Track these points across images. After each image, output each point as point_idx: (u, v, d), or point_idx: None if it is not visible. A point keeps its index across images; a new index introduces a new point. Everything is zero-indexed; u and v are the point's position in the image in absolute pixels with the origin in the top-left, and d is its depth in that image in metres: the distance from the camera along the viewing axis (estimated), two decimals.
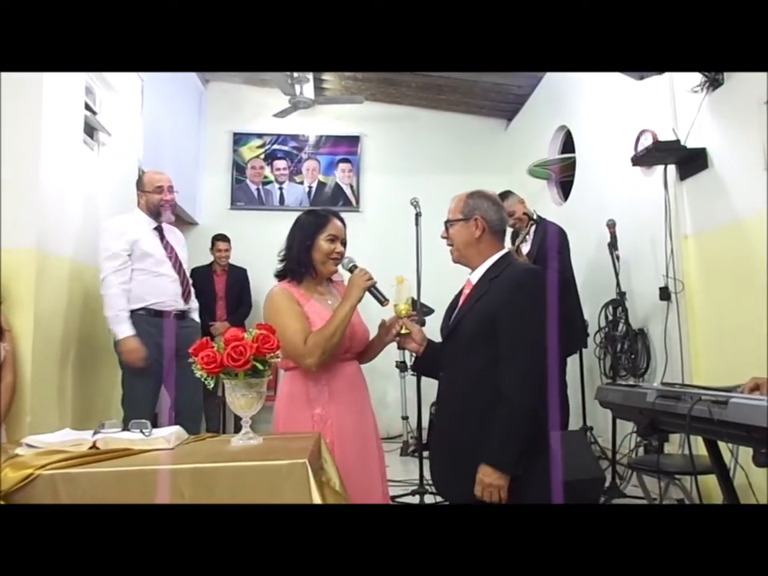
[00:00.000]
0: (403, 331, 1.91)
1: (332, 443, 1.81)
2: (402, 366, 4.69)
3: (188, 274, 3.21)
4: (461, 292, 1.86)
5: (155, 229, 3.05)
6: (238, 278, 5.04)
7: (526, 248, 3.62)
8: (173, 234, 3.18)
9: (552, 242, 3.49)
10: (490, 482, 1.57)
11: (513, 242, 3.61)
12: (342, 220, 2.02)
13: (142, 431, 1.48)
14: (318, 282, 1.99)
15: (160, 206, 3.03)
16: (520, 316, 1.62)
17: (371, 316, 2.02)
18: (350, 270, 1.94)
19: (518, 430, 1.57)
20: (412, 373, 4.49)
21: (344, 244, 2.00)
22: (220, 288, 4.98)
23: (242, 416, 1.51)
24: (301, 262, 1.95)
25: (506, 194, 3.67)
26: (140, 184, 3.09)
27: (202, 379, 1.44)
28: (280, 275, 2.00)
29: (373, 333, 2.01)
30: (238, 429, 1.84)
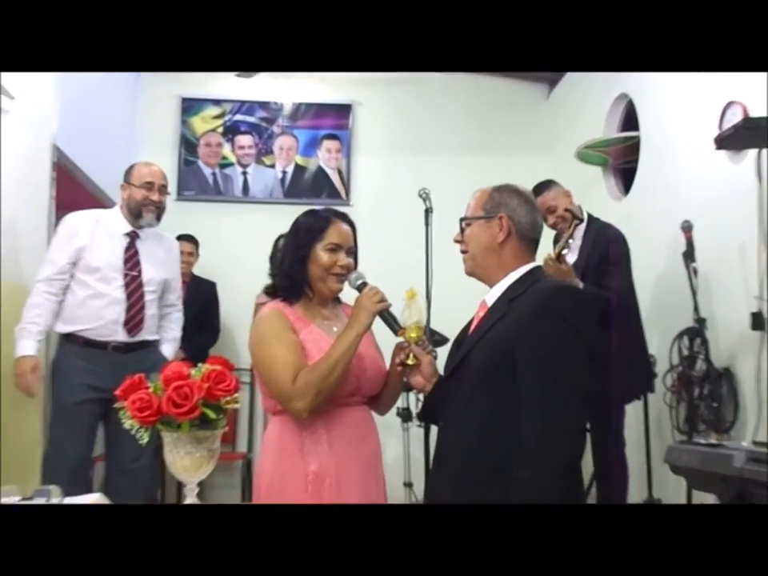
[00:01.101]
0: (410, 361, 1.96)
1: None
2: (405, 415, 4.66)
3: (174, 297, 3.27)
4: (473, 318, 1.91)
5: (127, 234, 3.08)
6: (202, 295, 5.06)
7: (571, 258, 3.62)
8: (158, 244, 3.21)
9: (607, 252, 3.50)
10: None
11: (554, 247, 3.61)
12: (349, 223, 2.10)
13: (47, 501, 1.48)
14: (322, 303, 2.08)
15: (142, 205, 3.08)
16: (547, 346, 1.64)
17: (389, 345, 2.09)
18: (358, 289, 2.00)
19: (543, 502, 1.57)
20: (419, 424, 4.48)
21: (352, 254, 2.07)
22: None
23: (186, 482, 1.50)
24: (294, 278, 2.03)
25: (545, 185, 3.69)
26: (127, 175, 3.19)
27: (133, 431, 1.44)
28: (269, 292, 2.09)
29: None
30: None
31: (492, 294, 1.84)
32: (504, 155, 5.66)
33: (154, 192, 3.12)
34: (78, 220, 3.10)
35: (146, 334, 3.11)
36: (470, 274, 1.91)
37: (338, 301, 2.14)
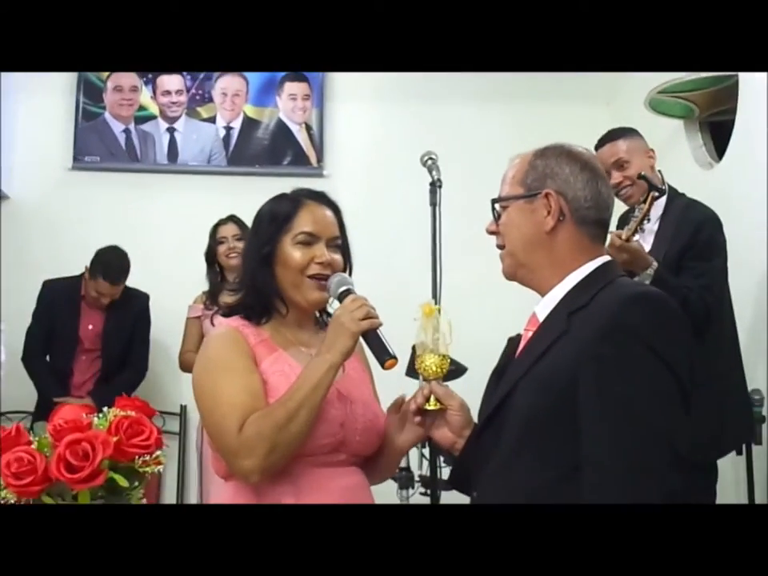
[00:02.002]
0: (431, 406, 1.93)
1: None
2: (404, 479, 4.67)
3: None
4: (519, 338, 1.88)
5: None
6: (129, 313, 5.05)
7: (645, 246, 3.63)
8: None
9: (695, 241, 3.49)
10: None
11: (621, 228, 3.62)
12: (329, 203, 2.13)
13: None
14: (300, 322, 2.11)
15: None
16: (618, 381, 1.61)
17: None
18: (340, 298, 2.00)
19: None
20: (423, 491, 4.48)
21: (338, 248, 2.10)
22: (90, 329, 4.95)
23: None
24: (257, 289, 2.06)
25: (618, 132, 3.68)
26: None
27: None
28: (229, 314, 2.11)
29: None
30: None
31: (544, 306, 1.80)
32: (546, 103, 5.66)
33: None
34: None
35: None
36: (510, 277, 1.88)
37: (323, 323, 2.15)
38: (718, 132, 4.99)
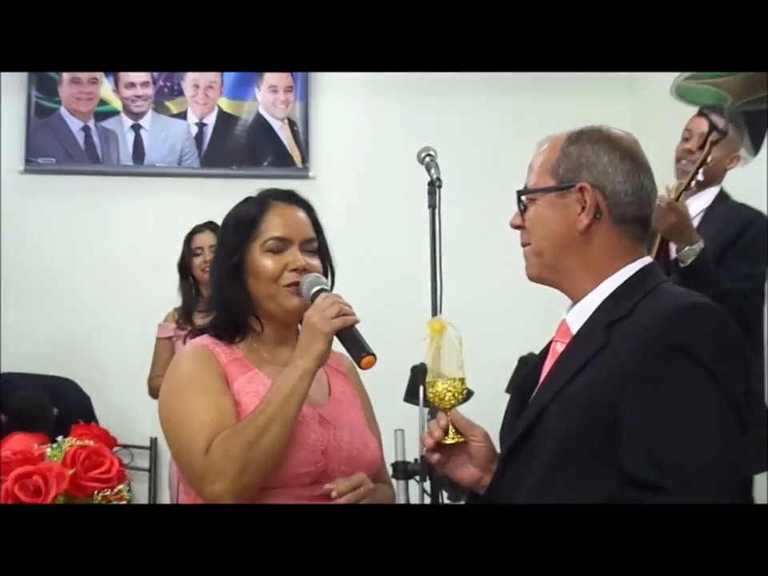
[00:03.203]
0: (450, 440, 1.87)
1: None
2: (402, 470, 4.65)
3: None
4: (545, 351, 1.88)
5: None
6: None
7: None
8: None
9: (742, 241, 3.51)
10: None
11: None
12: (299, 201, 2.15)
13: None
14: (278, 337, 2.13)
15: None
16: (673, 409, 1.60)
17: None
18: (312, 299, 2.00)
19: None
20: (418, 479, 4.48)
21: (313, 252, 2.11)
22: None
23: None
24: (227, 305, 2.08)
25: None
26: None
27: None
28: (199, 333, 2.14)
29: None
30: None
31: (577, 314, 1.77)
32: (560, 94, 5.67)
33: None
34: None
35: None
36: (535, 279, 1.85)
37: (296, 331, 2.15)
38: (753, 122, 5.00)
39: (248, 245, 2.04)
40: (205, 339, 2.06)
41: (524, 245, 1.84)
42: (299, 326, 2.13)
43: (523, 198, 1.83)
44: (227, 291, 2.05)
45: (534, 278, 1.85)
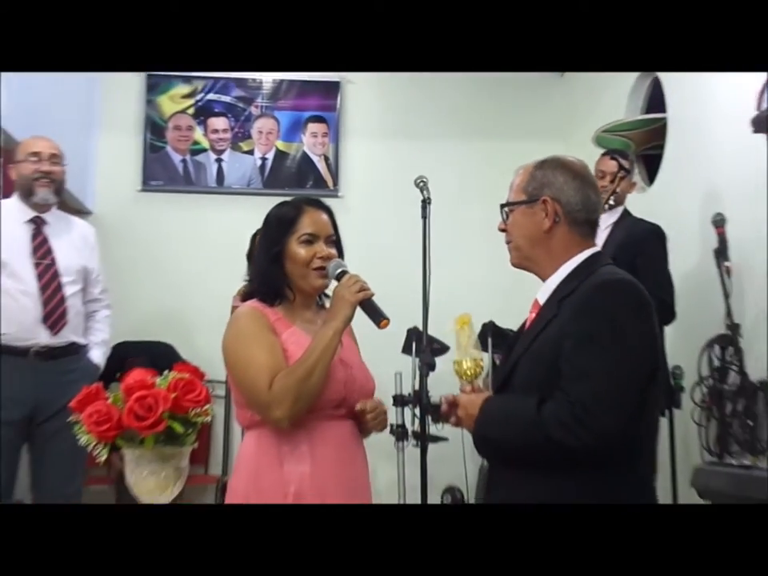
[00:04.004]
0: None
1: None
2: (399, 433, 4.66)
3: (97, 290, 3.23)
4: (526, 320, 1.88)
5: (30, 221, 3.07)
6: None
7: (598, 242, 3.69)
8: (68, 228, 3.20)
9: (643, 250, 3.52)
10: (460, 416, 1.78)
11: None
12: (325, 209, 2.12)
13: None
14: (304, 305, 2.10)
15: (33, 180, 3.06)
16: (583, 352, 1.61)
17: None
18: (338, 278, 2.01)
19: (525, 440, 1.64)
20: (415, 443, 4.47)
21: (333, 243, 2.09)
22: None
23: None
24: (272, 279, 2.04)
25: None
26: (13, 153, 3.17)
27: (89, 447, 1.44)
28: (245, 298, 2.11)
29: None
30: None
31: (543, 291, 1.80)
32: (512, 140, 5.66)
33: (42, 162, 3.11)
34: None
35: (71, 334, 3.09)
36: (516, 266, 1.88)
37: (320, 305, 2.15)
38: (649, 163, 4.98)
39: (287, 238, 2.02)
40: (254, 303, 2.04)
41: (507, 242, 1.88)
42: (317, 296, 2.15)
43: (506, 209, 1.86)
44: (270, 271, 2.03)
45: (515, 265, 1.88)
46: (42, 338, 3.01)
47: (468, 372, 1.87)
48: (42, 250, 3.08)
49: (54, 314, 3.03)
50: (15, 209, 3.10)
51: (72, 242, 3.20)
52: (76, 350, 3.13)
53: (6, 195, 3.74)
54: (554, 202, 1.78)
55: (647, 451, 1.74)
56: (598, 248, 1.85)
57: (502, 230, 1.88)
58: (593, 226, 1.85)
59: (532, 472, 1.65)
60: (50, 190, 3.13)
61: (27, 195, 3.10)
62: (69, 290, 3.09)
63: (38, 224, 3.11)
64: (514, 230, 1.84)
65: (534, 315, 1.82)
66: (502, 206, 1.87)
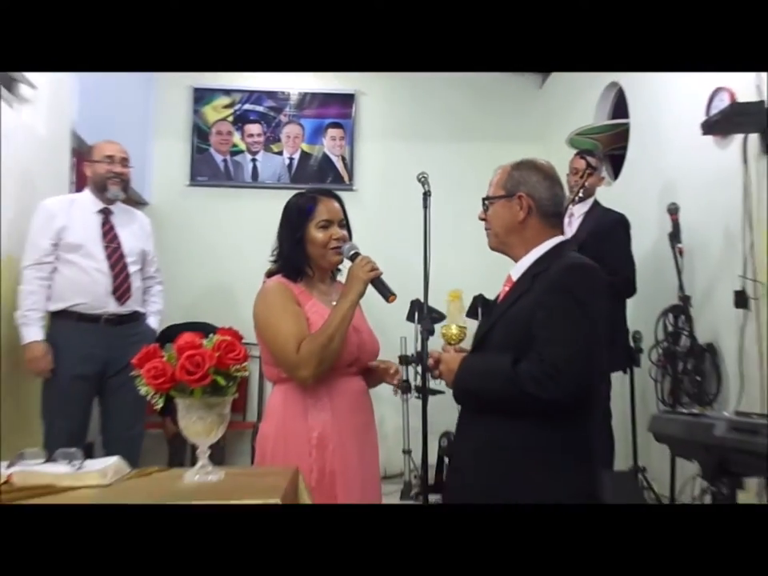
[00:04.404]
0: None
1: (332, 474, 1.89)
2: (404, 387, 4.68)
3: (153, 269, 3.28)
4: (500, 292, 1.87)
5: (100, 211, 3.10)
6: None
7: (569, 231, 3.66)
8: (130, 218, 3.23)
9: (610, 235, 3.51)
10: (442, 369, 1.78)
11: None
12: (337, 198, 2.09)
13: (70, 463, 1.48)
14: (321, 279, 2.08)
15: (106, 178, 3.09)
16: (555, 321, 1.62)
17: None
18: (351, 259, 2.00)
19: (502, 392, 1.63)
20: (417, 395, 4.50)
21: (344, 226, 2.07)
22: None
23: (199, 445, 1.51)
24: (294, 259, 2.02)
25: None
26: (88, 153, 3.21)
27: (148, 397, 1.45)
28: (273, 275, 2.07)
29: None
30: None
31: (517, 269, 1.80)
32: (499, 142, 5.64)
33: (115, 164, 3.14)
34: (53, 203, 3.12)
35: (134, 304, 3.14)
36: (494, 249, 1.87)
37: (333, 278, 2.13)
38: (614, 161, 4.95)
39: (307, 224, 2.00)
40: (280, 278, 2.02)
41: (487, 229, 1.87)
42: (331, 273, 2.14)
43: (486, 202, 1.85)
44: (294, 253, 2.02)
45: (493, 248, 1.88)
46: (111, 307, 3.05)
47: (454, 337, 1.88)
48: (110, 236, 3.12)
49: (121, 287, 3.07)
50: (88, 201, 3.14)
51: (133, 229, 3.23)
52: (137, 317, 3.16)
53: (78, 189, 3.77)
54: (528, 198, 1.77)
55: (602, 402, 1.76)
56: (563, 237, 1.84)
57: (482, 219, 1.87)
58: (559, 217, 1.85)
59: (501, 417, 1.66)
60: (119, 188, 3.17)
61: (100, 191, 3.13)
62: (132, 269, 3.14)
63: (106, 214, 3.14)
64: (493, 220, 1.83)
65: (507, 288, 1.81)
66: (484, 199, 1.86)
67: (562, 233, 1.85)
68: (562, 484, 1.61)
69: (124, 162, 3.19)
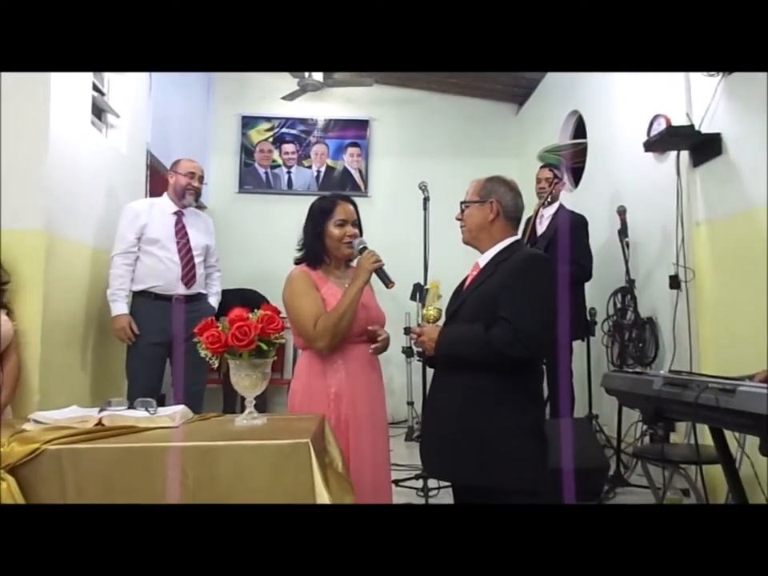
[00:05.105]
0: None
1: (346, 422, 1.87)
2: (407, 352, 4.70)
3: (213, 260, 3.29)
4: (468, 275, 1.86)
5: (174, 213, 3.11)
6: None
7: (540, 229, 3.63)
8: (198, 219, 3.24)
9: (574, 232, 3.49)
10: (422, 340, 1.76)
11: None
12: (352, 202, 2.04)
13: (147, 409, 1.50)
14: (336, 266, 2.03)
15: (185, 189, 3.11)
16: (520, 296, 1.63)
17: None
18: (360, 252, 1.97)
19: (479, 353, 1.61)
20: (418, 359, 4.51)
21: (357, 226, 2.02)
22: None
23: (246, 396, 1.52)
24: (315, 250, 1.99)
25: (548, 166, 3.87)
26: (174, 165, 3.19)
27: (207, 359, 1.46)
28: (298, 262, 2.03)
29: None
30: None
31: (483, 258, 1.79)
32: (483, 158, 5.60)
33: (194, 180, 3.14)
34: (138, 205, 3.13)
35: (198, 288, 3.14)
36: (466, 243, 1.86)
37: (347, 264, 2.08)
38: (575, 172, 4.91)
39: (327, 221, 1.97)
40: (303, 267, 1.99)
41: (462, 227, 1.85)
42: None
43: (463, 205, 1.85)
44: (315, 245, 1.98)
45: (465, 242, 1.86)
46: (180, 290, 3.05)
47: (431, 317, 1.85)
48: (181, 233, 3.12)
49: (188, 275, 3.08)
50: (166, 204, 3.14)
51: (199, 228, 3.22)
52: (200, 298, 3.17)
53: (155, 194, 3.77)
54: (497, 204, 1.78)
55: (548, 355, 1.78)
56: (519, 236, 1.84)
57: (459, 219, 1.86)
58: (518, 221, 1.85)
59: (472, 372, 1.66)
60: (193, 198, 3.18)
61: (179, 198, 3.13)
62: (197, 260, 3.14)
63: (179, 216, 3.14)
64: (468, 219, 1.82)
65: (475, 273, 1.81)
66: (462, 203, 1.85)
67: (517, 234, 1.85)
68: (519, 417, 1.63)
69: (200, 179, 3.20)
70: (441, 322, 1.84)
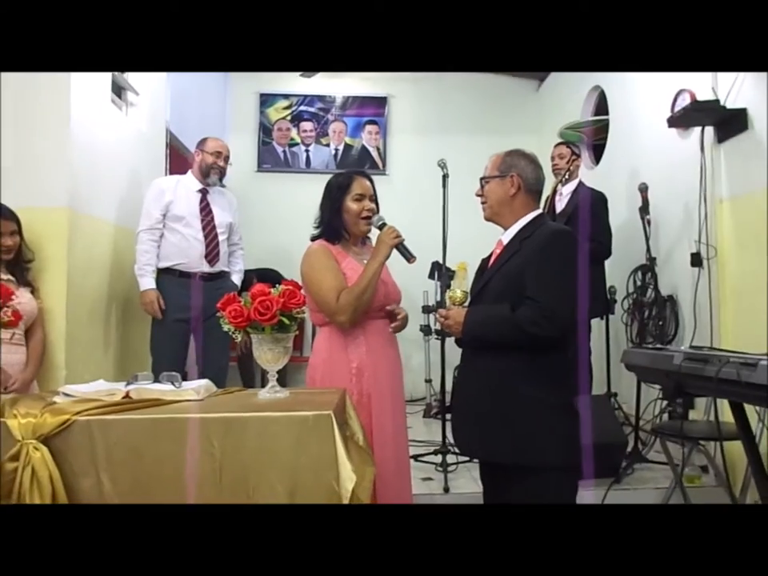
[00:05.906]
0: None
1: (368, 396, 1.88)
2: (426, 330, 4.71)
3: (236, 237, 3.29)
4: (492, 253, 1.84)
5: (199, 191, 3.11)
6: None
7: (560, 206, 3.60)
8: (221, 197, 3.25)
9: (593, 209, 3.44)
10: (449, 323, 1.73)
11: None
12: (368, 177, 2.03)
13: (172, 383, 1.53)
14: (354, 242, 2.03)
15: (211, 167, 3.11)
16: (546, 274, 1.61)
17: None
18: (380, 228, 1.96)
19: (508, 335, 1.60)
20: (436, 337, 4.52)
21: (374, 201, 2.01)
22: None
23: (269, 370, 1.54)
24: (334, 225, 1.98)
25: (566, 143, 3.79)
26: (201, 144, 3.19)
27: (230, 333, 1.48)
28: (315, 239, 2.03)
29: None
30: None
31: (507, 235, 1.77)
32: (502, 135, 5.47)
33: (221, 159, 3.15)
34: (164, 182, 3.13)
35: (221, 266, 3.15)
36: (488, 219, 1.83)
37: (364, 241, 2.09)
38: (596, 149, 4.84)
39: (345, 197, 1.96)
40: (322, 242, 1.99)
41: (483, 203, 1.82)
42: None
43: (483, 181, 1.82)
44: (334, 220, 1.97)
45: (487, 219, 1.84)
46: (204, 267, 3.08)
47: (458, 299, 1.84)
48: (205, 211, 3.13)
49: (212, 253, 3.10)
50: (191, 182, 3.15)
51: (222, 206, 3.23)
52: (223, 275, 3.19)
53: (174, 171, 3.78)
54: (518, 177, 1.74)
55: (576, 333, 1.76)
56: (541, 210, 1.80)
57: (479, 195, 1.83)
58: (540, 194, 1.82)
59: (500, 351, 1.65)
60: (218, 177, 3.19)
61: (204, 176, 3.13)
62: (221, 238, 3.15)
63: (204, 194, 3.16)
64: (489, 195, 1.79)
65: (498, 251, 1.78)
66: (482, 179, 1.82)
67: (539, 207, 1.81)
68: (551, 394, 1.62)
69: (226, 159, 3.20)
70: (467, 304, 1.82)
